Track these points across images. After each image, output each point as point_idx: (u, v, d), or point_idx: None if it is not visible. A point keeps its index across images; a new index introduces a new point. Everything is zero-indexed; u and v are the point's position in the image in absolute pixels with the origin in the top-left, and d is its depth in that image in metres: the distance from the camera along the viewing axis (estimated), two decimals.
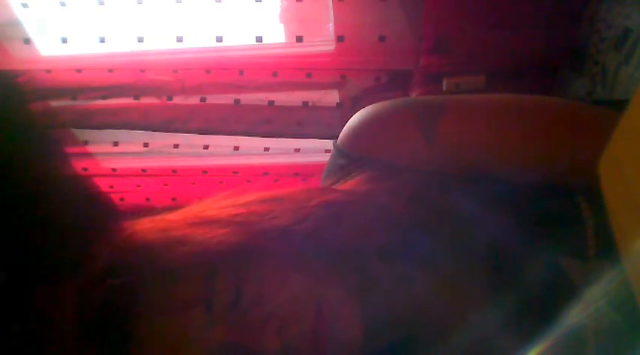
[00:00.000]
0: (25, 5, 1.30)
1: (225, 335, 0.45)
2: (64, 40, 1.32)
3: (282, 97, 1.42)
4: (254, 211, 0.52)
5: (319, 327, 0.46)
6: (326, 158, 0.65)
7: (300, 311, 0.46)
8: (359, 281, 0.50)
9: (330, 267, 0.50)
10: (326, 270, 0.49)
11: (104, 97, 1.42)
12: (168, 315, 0.44)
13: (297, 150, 1.57)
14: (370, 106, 0.61)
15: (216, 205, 0.55)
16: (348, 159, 0.59)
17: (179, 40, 1.30)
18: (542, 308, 0.48)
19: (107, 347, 0.45)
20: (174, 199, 1.80)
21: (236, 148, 1.58)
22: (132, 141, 1.59)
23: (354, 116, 0.61)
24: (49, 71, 1.41)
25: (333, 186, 0.61)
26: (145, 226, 0.51)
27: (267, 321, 0.45)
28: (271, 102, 1.42)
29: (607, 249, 0.40)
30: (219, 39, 1.30)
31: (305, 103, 1.42)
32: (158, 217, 0.53)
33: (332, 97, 1.42)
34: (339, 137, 0.61)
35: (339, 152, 0.61)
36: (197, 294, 0.45)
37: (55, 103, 1.48)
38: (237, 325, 0.45)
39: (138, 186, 1.77)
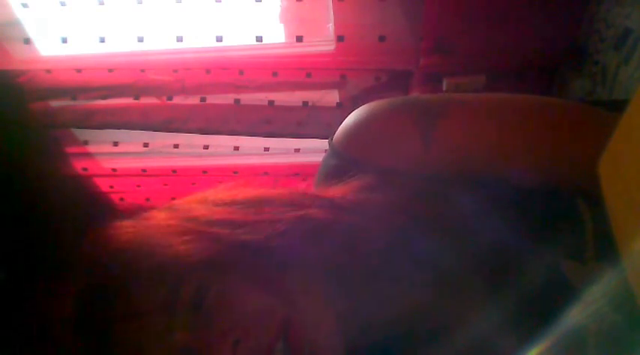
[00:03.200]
0: (25, 5, 1.31)
1: (184, 341, 0.46)
2: (64, 40, 1.32)
3: (282, 97, 1.42)
4: (232, 220, 0.52)
5: (291, 341, 0.47)
6: None
7: (260, 327, 0.47)
8: (340, 290, 0.50)
9: (304, 282, 0.50)
10: (297, 286, 0.50)
11: (104, 97, 1.42)
12: (134, 318, 0.46)
13: (297, 150, 1.58)
14: (367, 105, 0.58)
15: (205, 203, 0.56)
16: (342, 161, 0.58)
17: (179, 40, 1.30)
18: (541, 309, 0.48)
19: (92, 342, 0.47)
20: (174, 199, 1.80)
21: (236, 148, 1.58)
22: (132, 141, 1.59)
23: (350, 115, 0.59)
24: (49, 71, 1.41)
25: (325, 187, 0.59)
26: (126, 229, 0.52)
27: (227, 333, 0.46)
28: (271, 102, 1.42)
29: (606, 251, 0.40)
30: (219, 39, 1.30)
31: (305, 103, 1.42)
32: (143, 218, 0.54)
33: (332, 97, 1.42)
34: (335, 135, 0.59)
35: (333, 151, 0.59)
36: (160, 301, 0.46)
37: (55, 103, 1.49)
38: (196, 332, 0.46)
39: (138, 186, 1.78)
